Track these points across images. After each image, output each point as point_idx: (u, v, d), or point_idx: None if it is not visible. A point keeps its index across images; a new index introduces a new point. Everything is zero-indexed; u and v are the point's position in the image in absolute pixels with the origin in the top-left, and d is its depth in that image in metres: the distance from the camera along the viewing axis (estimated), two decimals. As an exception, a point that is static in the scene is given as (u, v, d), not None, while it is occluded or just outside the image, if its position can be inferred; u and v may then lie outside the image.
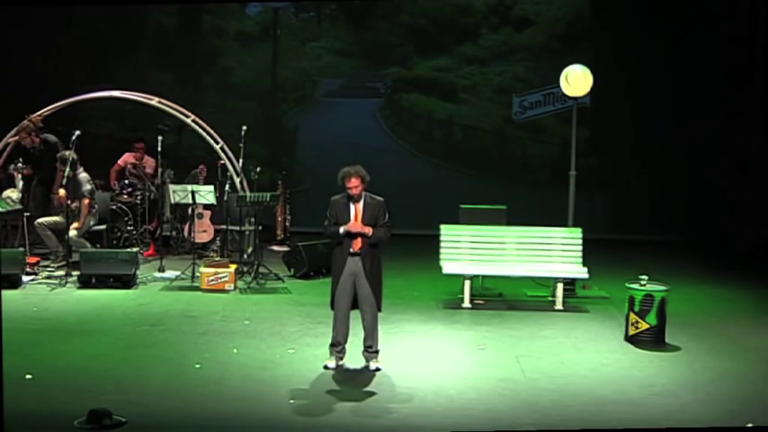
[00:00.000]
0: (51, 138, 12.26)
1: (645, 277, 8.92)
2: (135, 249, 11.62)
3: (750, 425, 6.68)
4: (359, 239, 7.76)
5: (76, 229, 11.40)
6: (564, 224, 10.80)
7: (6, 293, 9.91)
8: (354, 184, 7.77)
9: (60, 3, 13.26)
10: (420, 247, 11.90)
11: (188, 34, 15.93)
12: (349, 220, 7.78)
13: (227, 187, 12.08)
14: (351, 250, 7.78)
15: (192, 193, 11.55)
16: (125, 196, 12.81)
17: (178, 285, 11.04)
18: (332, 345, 7.95)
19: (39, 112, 12.33)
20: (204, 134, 12.44)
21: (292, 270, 11.75)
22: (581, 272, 10.38)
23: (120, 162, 13.21)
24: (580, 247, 10.47)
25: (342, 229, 7.75)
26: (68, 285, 10.78)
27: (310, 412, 6.92)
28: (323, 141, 15.39)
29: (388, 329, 8.94)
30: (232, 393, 7.25)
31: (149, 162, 13.09)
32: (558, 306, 10.27)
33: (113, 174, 13.14)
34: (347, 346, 7.94)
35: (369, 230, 7.74)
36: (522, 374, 7.92)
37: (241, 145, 12.07)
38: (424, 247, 11.47)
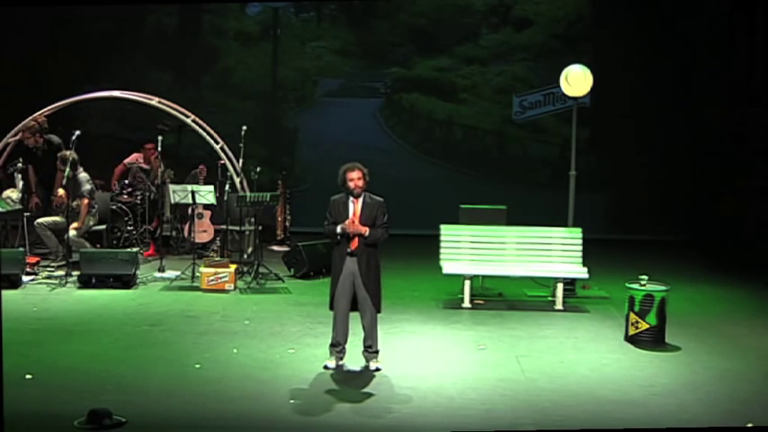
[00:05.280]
0: (55, 139, 12.28)
1: (645, 277, 8.92)
2: (135, 249, 11.62)
3: (750, 425, 6.68)
4: (355, 239, 7.76)
5: (76, 229, 11.41)
6: (564, 224, 10.80)
7: (6, 293, 9.91)
8: (357, 176, 7.73)
9: (60, 3, 13.26)
10: (420, 247, 11.90)
11: (188, 34, 15.94)
12: (347, 219, 7.77)
13: (227, 187, 12.08)
14: (348, 250, 7.78)
15: (192, 193, 11.55)
16: (125, 196, 12.81)
17: (178, 285, 11.04)
18: (332, 345, 7.95)
19: (39, 112, 12.34)
20: (204, 134, 12.45)
21: (292, 270, 11.75)
22: (581, 272, 10.38)
23: (125, 162, 13.17)
24: (580, 247, 10.47)
25: (339, 228, 7.75)
26: (68, 285, 10.78)
27: (310, 412, 6.92)
28: (323, 141, 15.39)
29: (388, 329, 8.94)
30: (232, 393, 7.25)
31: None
32: (558, 306, 10.27)
33: (117, 173, 13.10)
34: (347, 346, 7.94)
35: (365, 230, 7.73)
36: (522, 374, 7.91)
37: (241, 145, 12.08)
38: (424, 247, 11.47)
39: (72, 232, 11.35)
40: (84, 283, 10.75)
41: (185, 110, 12.64)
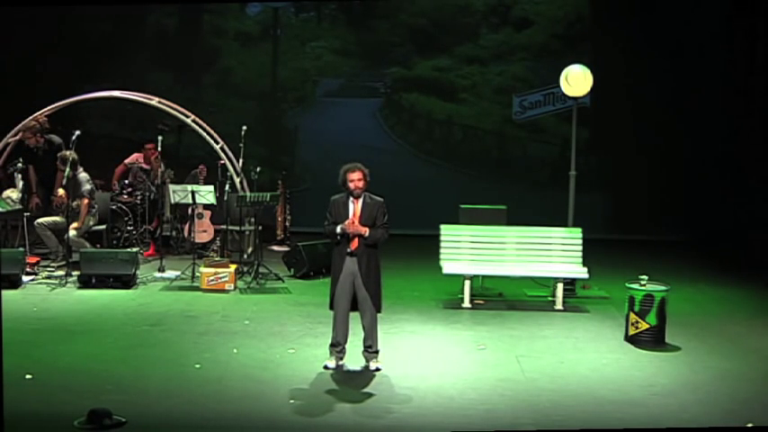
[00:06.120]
0: (56, 139, 12.29)
1: (645, 277, 8.92)
2: (135, 249, 11.62)
3: (750, 425, 6.68)
4: (356, 239, 7.76)
5: (76, 228, 11.41)
6: (564, 224, 10.80)
7: (6, 293, 9.91)
8: (357, 177, 7.73)
9: (60, 3, 13.26)
10: (420, 247, 11.91)
11: (188, 34, 15.94)
12: (347, 219, 7.76)
13: (227, 187, 12.08)
14: (348, 250, 7.78)
15: (192, 193, 11.55)
16: (125, 196, 12.81)
17: (178, 285, 11.04)
18: (332, 345, 7.95)
19: (40, 112, 12.35)
20: (204, 134, 12.45)
21: (292, 270, 11.75)
22: (581, 272, 10.38)
23: (125, 162, 13.16)
24: (580, 247, 10.47)
25: (339, 229, 7.75)
26: (68, 285, 10.78)
27: (310, 412, 6.92)
28: (323, 141, 15.39)
29: (388, 329, 8.94)
30: (232, 393, 7.25)
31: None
32: (558, 306, 10.27)
33: (117, 173, 13.09)
34: (347, 346, 7.94)
35: (365, 231, 7.73)
36: (522, 374, 7.92)
37: (241, 145, 12.08)
38: (424, 247, 11.48)
39: (72, 232, 11.35)
40: (84, 283, 10.75)
41: (185, 110, 12.64)
